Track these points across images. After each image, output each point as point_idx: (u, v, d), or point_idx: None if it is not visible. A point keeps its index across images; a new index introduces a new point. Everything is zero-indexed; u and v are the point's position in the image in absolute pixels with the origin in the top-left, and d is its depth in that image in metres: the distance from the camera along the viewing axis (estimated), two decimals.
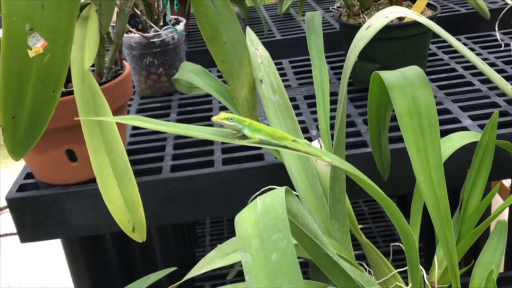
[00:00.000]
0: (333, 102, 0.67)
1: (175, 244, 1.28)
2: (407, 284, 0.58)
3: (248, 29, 0.73)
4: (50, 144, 0.66)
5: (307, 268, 0.63)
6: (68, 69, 0.54)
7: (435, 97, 0.83)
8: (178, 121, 0.88)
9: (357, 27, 0.63)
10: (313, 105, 0.83)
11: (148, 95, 1.00)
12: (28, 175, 0.75)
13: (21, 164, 0.75)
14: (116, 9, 0.68)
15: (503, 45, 1.00)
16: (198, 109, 0.92)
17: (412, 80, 0.52)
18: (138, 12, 0.94)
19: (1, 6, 0.51)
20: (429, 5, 0.91)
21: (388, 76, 0.53)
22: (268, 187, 0.47)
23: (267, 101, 0.68)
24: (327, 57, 0.74)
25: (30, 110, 0.53)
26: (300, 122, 0.76)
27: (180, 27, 0.98)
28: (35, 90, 0.52)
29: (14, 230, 0.71)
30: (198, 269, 0.54)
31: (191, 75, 0.76)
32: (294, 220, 0.42)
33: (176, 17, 1.03)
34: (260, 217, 0.37)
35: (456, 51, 1.02)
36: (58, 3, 0.51)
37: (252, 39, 0.73)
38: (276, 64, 0.72)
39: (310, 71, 0.76)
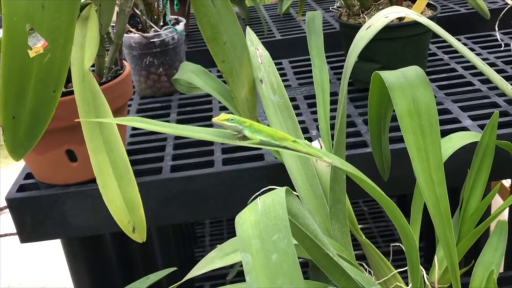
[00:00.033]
0: (333, 102, 0.67)
1: (175, 244, 1.28)
2: (407, 284, 0.58)
3: (248, 29, 0.73)
4: (50, 144, 0.66)
5: (307, 268, 0.63)
6: (68, 69, 0.54)
7: (435, 97, 0.83)
8: (178, 121, 0.88)
9: (357, 27, 0.63)
10: (313, 105, 0.83)
11: (148, 95, 1.00)
12: (28, 175, 0.75)
13: (21, 164, 0.75)
14: (116, 9, 0.68)
15: (503, 45, 1.00)
16: (198, 109, 0.92)
17: (413, 80, 0.52)
18: (138, 12, 0.94)
19: (1, 6, 0.51)
20: (429, 5, 0.91)
21: (389, 76, 0.53)
22: (268, 187, 0.47)
23: (267, 101, 0.68)
24: (326, 57, 0.74)
25: (31, 110, 0.53)
26: (300, 122, 0.76)
27: (180, 27, 0.98)
28: (35, 90, 0.52)
29: (14, 230, 0.71)
30: (198, 269, 0.54)
31: (191, 75, 0.76)
32: (295, 221, 0.42)
33: (176, 17, 1.03)
34: (260, 218, 0.37)
35: (456, 51, 1.02)
36: (58, 3, 0.51)
37: (252, 39, 0.73)
38: (276, 64, 0.72)
39: (310, 71, 0.76)
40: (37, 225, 0.71)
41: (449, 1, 1.35)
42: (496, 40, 1.04)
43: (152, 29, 0.96)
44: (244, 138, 0.50)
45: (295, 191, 0.61)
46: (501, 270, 0.68)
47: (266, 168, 0.70)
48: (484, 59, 0.98)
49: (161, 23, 0.98)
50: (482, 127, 0.73)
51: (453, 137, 0.66)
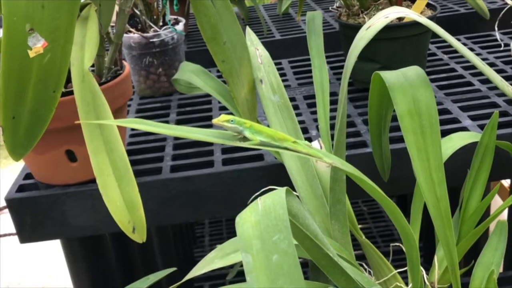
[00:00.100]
0: (333, 102, 0.67)
1: (174, 244, 1.28)
2: (407, 284, 0.58)
3: (248, 29, 0.73)
4: (50, 145, 0.66)
5: (307, 268, 0.63)
6: (68, 69, 0.54)
7: (435, 97, 0.83)
8: (178, 121, 0.88)
9: (356, 27, 0.63)
10: (313, 105, 0.83)
11: (148, 95, 1.00)
12: (28, 176, 0.75)
13: (20, 164, 0.75)
14: (115, 9, 0.68)
15: (502, 45, 1.00)
16: (198, 109, 0.92)
17: (413, 80, 0.52)
18: (138, 12, 0.94)
19: (1, 6, 0.51)
20: (428, 5, 0.91)
21: (389, 76, 0.53)
22: (268, 188, 0.47)
23: (267, 101, 0.68)
24: (326, 57, 0.74)
25: (31, 110, 0.53)
26: (300, 122, 0.76)
27: (180, 27, 0.98)
28: (35, 90, 0.52)
29: (14, 230, 0.71)
30: (198, 270, 0.54)
31: (190, 75, 0.76)
32: (295, 221, 0.42)
33: (175, 17, 1.03)
34: (261, 218, 0.37)
35: (455, 51, 1.02)
36: (58, 3, 0.51)
37: (252, 39, 0.73)
38: (275, 64, 0.72)
39: (309, 71, 0.76)
40: (36, 225, 0.71)
41: (449, 1, 1.35)
42: (496, 40, 1.04)
43: (152, 29, 0.96)
44: (244, 139, 0.50)
45: (295, 191, 0.61)
46: (501, 270, 0.68)
47: (266, 168, 0.70)
48: (483, 59, 0.98)
49: (161, 23, 0.98)
50: (481, 127, 0.73)
51: (453, 137, 0.66)
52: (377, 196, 0.50)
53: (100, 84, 0.63)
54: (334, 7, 1.24)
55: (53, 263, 1.83)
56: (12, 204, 0.70)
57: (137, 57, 0.96)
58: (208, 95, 0.84)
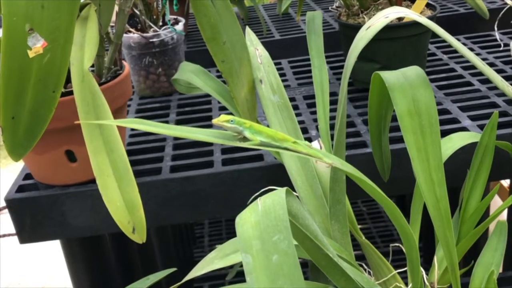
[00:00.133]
0: (333, 102, 0.67)
1: (174, 244, 1.28)
2: (406, 285, 0.58)
3: (247, 29, 0.73)
4: (49, 145, 0.66)
5: (306, 269, 0.63)
6: (67, 70, 0.54)
7: (435, 97, 0.83)
8: (177, 121, 0.88)
9: (356, 27, 0.63)
10: (313, 105, 0.83)
11: (147, 95, 0.99)
12: (27, 176, 0.75)
13: (20, 165, 0.75)
14: (115, 9, 0.68)
15: (502, 45, 1.00)
16: (198, 109, 0.92)
17: (413, 81, 0.52)
18: (137, 12, 0.94)
19: (1, 6, 0.51)
20: (428, 5, 0.91)
21: (389, 76, 0.53)
22: (268, 188, 0.47)
23: (266, 101, 0.68)
24: (326, 57, 0.74)
25: (30, 111, 0.53)
26: (300, 122, 0.76)
27: (179, 27, 0.98)
28: (35, 90, 0.52)
29: (14, 230, 0.71)
30: (198, 270, 0.54)
31: (190, 75, 0.76)
32: (295, 221, 0.42)
33: (175, 17, 1.03)
34: (261, 218, 0.37)
35: (455, 51, 1.02)
36: (58, 3, 0.51)
37: (251, 39, 0.73)
38: (275, 64, 0.72)
39: (309, 71, 0.76)
40: (36, 225, 0.71)
41: (448, 1, 1.35)
42: (495, 40, 1.04)
43: (151, 29, 0.96)
44: (245, 139, 0.50)
45: (294, 191, 0.61)
46: (500, 270, 0.68)
47: (265, 169, 0.70)
48: (483, 59, 0.98)
49: (160, 23, 0.98)
50: (481, 127, 0.73)
51: (453, 137, 0.66)
52: (377, 196, 0.50)
53: (100, 84, 0.63)
54: (334, 7, 1.24)
55: (53, 263, 1.83)
56: (12, 205, 0.70)
57: (136, 57, 0.96)
58: (208, 95, 0.84)
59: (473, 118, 0.77)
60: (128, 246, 0.98)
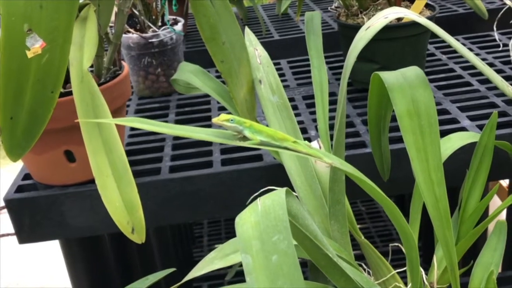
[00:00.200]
0: (332, 102, 0.67)
1: (173, 244, 1.28)
2: (406, 284, 0.58)
3: (247, 29, 0.73)
4: (48, 145, 0.66)
5: (306, 269, 0.63)
6: (66, 70, 0.54)
7: (434, 97, 0.83)
8: (177, 121, 0.88)
9: (355, 28, 0.63)
10: (312, 105, 0.83)
11: (146, 95, 0.99)
12: (26, 176, 0.75)
13: (19, 165, 0.75)
14: (114, 10, 0.68)
15: (501, 45, 1.00)
16: (197, 109, 0.92)
17: (412, 81, 0.52)
18: (137, 12, 0.94)
19: None
20: (427, 6, 0.91)
21: (388, 76, 0.53)
22: (267, 188, 0.47)
23: (266, 101, 0.68)
24: (325, 57, 0.74)
25: (29, 111, 0.53)
26: (299, 122, 0.76)
27: (179, 27, 0.98)
28: (33, 90, 0.52)
29: (13, 230, 0.71)
30: (198, 270, 0.54)
31: (189, 76, 0.76)
32: (295, 221, 0.42)
33: (174, 17, 1.03)
34: (260, 219, 0.37)
35: (454, 51, 1.02)
36: (56, 3, 0.51)
37: (251, 39, 0.72)
38: (274, 64, 0.72)
39: (308, 71, 0.76)
40: (35, 225, 0.71)
41: (447, 1, 1.35)
42: (494, 40, 1.04)
43: (151, 30, 0.96)
44: (244, 138, 0.50)
45: (294, 191, 0.61)
46: (500, 270, 0.67)
47: (265, 169, 0.70)
48: (482, 59, 0.97)
49: (160, 23, 0.98)
50: (480, 127, 0.73)
51: (452, 137, 0.66)
52: (376, 196, 0.50)
53: (99, 85, 0.63)
54: (333, 7, 1.24)
55: (52, 263, 1.83)
56: (11, 205, 0.70)
57: (136, 57, 0.96)
58: (207, 96, 0.84)
59: (472, 118, 0.77)
60: (127, 246, 0.98)
